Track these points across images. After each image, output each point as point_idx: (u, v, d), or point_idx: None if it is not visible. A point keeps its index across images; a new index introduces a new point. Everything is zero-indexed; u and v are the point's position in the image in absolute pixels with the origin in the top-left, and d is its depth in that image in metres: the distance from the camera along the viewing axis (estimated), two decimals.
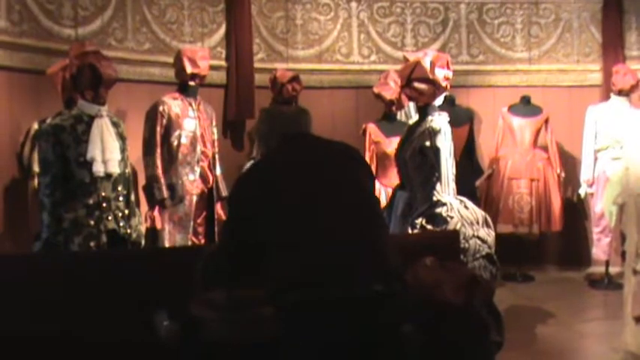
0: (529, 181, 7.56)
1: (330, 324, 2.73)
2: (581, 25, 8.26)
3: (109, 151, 4.42)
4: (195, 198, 5.88)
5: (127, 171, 4.63)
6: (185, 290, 2.96)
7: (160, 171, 5.74)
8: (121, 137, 4.57)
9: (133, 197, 4.72)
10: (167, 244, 5.73)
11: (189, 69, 5.90)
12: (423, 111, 5.00)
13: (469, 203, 4.88)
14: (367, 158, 6.56)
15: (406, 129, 5.28)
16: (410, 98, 5.20)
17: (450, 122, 5.01)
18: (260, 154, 3.38)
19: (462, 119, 7.56)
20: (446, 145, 4.83)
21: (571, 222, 7.84)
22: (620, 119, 7.06)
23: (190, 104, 5.93)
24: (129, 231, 4.54)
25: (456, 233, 4.26)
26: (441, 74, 4.85)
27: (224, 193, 6.11)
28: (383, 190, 6.45)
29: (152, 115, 5.81)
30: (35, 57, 5.77)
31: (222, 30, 7.48)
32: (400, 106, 6.72)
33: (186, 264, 3.13)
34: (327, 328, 2.73)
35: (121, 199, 4.52)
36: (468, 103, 8.01)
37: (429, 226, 4.71)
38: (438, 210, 4.74)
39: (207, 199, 6.03)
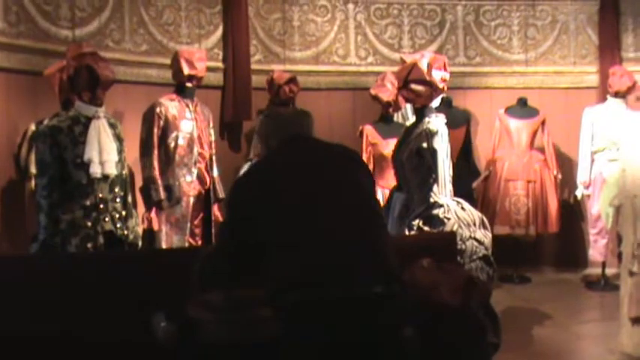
0: (526, 183, 7.57)
1: (329, 324, 2.73)
2: (578, 27, 8.27)
3: (106, 152, 4.41)
4: (192, 199, 5.88)
5: (124, 172, 4.62)
6: (182, 291, 2.97)
7: (157, 172, 5.74)
8: (118, 139, 4.57)
9: (130, 199, 4.72)
10: (164, 246, 5.72)
11: (186, 70, 5.90)
12: (420, 113, 5.01)
13: (466, 205, 4.89)
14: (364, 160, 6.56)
15: (403, 131, 5.29)
16: (407, 100, 5.21)
17: (446, 124, 5.02)
18: (260, 154, 3.39)
19: (459, 121, 7.57)
20: (443, 147, 4.84)
21: (568, 224, 7.85)
22: (616, 121, 7.06)
23: (187, 106, 5.93)
24: (126, 232, 4.54)
25: (452, 235, 4.27)
26: (438, 76, 4.86)
27: (221, 194, 6.10)
28: (380, 192, 6.44)
29: (149, 117, 5.81)
30: (32, 58, 5.76)
31: (220, 31, 7.48)
32: (397, 108, 6.72)
33: (184, 265, 3.13)
34: (326, 328, 2.74)
35: (118, 200, 4.52)
36: (465, 105, 8.02)
37: (425, 228, 4.72)
38: (435, 211, 4.75)
39: (205, 200, 6.03)
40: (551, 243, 8.05)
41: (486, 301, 3.64)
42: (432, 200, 4.80)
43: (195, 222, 5.98)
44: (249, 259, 2.91)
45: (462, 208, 4.81)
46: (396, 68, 5.67)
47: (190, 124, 5.91)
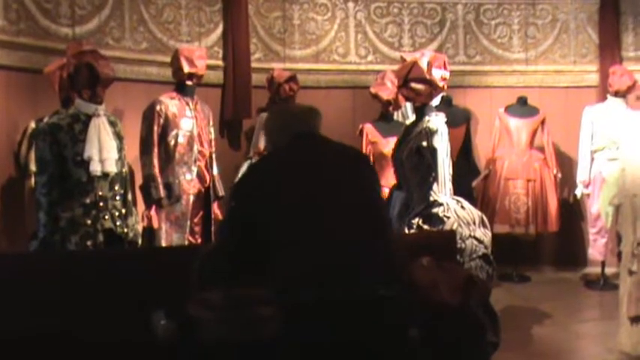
0: (525, 182, 7.56)
1: (331, 324, 2.73)
2: (578, 26, 8.26)
3: (106, 150, 4.41)
4: (192, 197, 5.88)
5: (124, 170, 4.62)
6: (182, 290, 2.96)
7: (156, 170, 5.74)
8: (118, 136, 4.57)
9: (130, 196, 4.72)
10: (164, 244, 5.73)
11: (186, 68, 5.90)
12: (420, 111, 5.01)
13: (466, 203, 4.89)
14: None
15: (403, 129, 5.29)
16: (407, 98, 5.21)
17: (446, 123, 5.02)
18: (267, 149, 3.37)
19: (459, 120, 7.57)
20: (443, 146, 4.84)
21: (567, 223, 7.85)
22: (616, 120, 7.07)
23: (187, 104, 5.92)
24: (126, 230, 4.54)
25: (452, 233, 4.27)
26: (438, 75, 4.86)
27: (221, 192, 6.11)
28: None
29: (149, 115, 5.81)
30: (32, 56, 5.76)
31: (220, 29, 7.48)
32: (397, 107, 6.72)
33: (183, 263, 3.13)
34: (328, 328, 2.73)
35: (117, 198, 4.51)
36: (465, 104, 8.02)
37: (425, 227, 4.72)
38: (435, 210, 4.75)
39: (204, 198, 6.03)
40: (550, 242, 8.05)
41: (486, 300, 3.64)
42: (431, 199, 4.80)
43: (195, 220, 5.99)
44: (250, 257, 2.90)
45: (462, 207, 4.81)
46: (396, 67, 5.67)
47: (190, 122, 5.91)
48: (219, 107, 7.34)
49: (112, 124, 4.55)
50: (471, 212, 4.81)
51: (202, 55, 6.07)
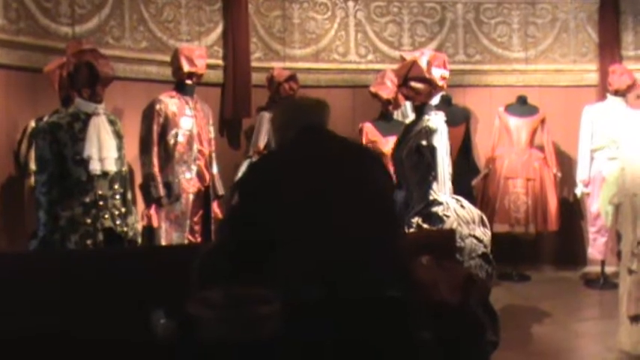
0: (525, 181, 7.56)
1: (336, 323, 2.69)
2: (578, 25, 8.26)
3: (105, 149, 4.42)
4: (191, 196, 5.89)
5: (123, 169, 4.62)
6: (182, 289, 2.96)
7: (156, 169, 5.74)
8: (118, 135, 4.57)
9: (129, 196, 4.72)
10: (163, 243, 5.73)
11: (186, 68, 5.90)
12: (420, 110, 5.01)
13: (465, 202, 4.90)
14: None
15: (403, 128, 5.29)
16: (406, 97, 5.21)
17: (446, 122, 5.02)
18: (275, 143, 3.30)
19: (459, 119, 7.57)
20: (442, 145, 4.85)
21: (567, 222, 7.85)
22: (616, 119, 7.07)
23: (187, 103, 5.93)
24: (125, 229, 4.54)
25: (452, 232, 4.27)
26: (437, 74, 4.86)
27: (220, 191, 6.12)
28: None
29: (149, 114, 5.81)
30: (32, 55, 5.76)
31: (220, 29, 7.48)
32: (397, 106, 6.72)
33: (183, 262, 3.12)
34: (333, 327, 2.69)
35: (117, 197, 4.52)
36: (465, 103, 8.02)
37: (425, 225, 4.72)
38: (435, 209, 4.75)
39: (204, 197, 6.04)
40: (550, 241, 8.05)
41: (485, 299, 3.64)
42: (431, 198, 4.80)
43: (195, 219, 5.99)
44: (251, 257, 2.87)
45: (462, 206, 4.81)
46: (395, 66, 5.66)
47: (190, 121, 5.91)
48: (219, 106, 7.34)
49: (112, 123, 4.55)
50: (471, 211, 4.81)
51: (202, 54, 6.08)
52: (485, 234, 4.75)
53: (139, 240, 4.86)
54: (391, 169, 5.27)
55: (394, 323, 2.79)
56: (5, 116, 5.57)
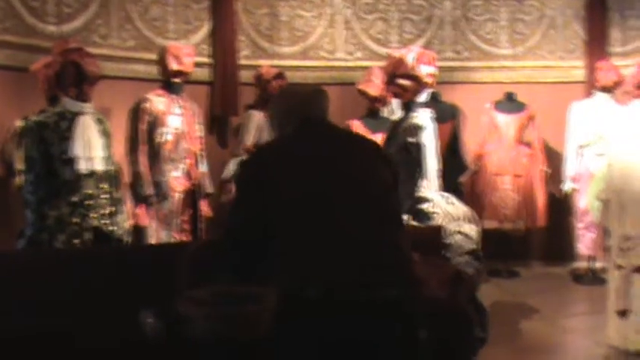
0: (513, 177, 7.58)
1: (337, 323, 2.63)
2: (565, 21, 8.29)
3: (92, 148, 4.41)
4: (180, 195, 5.87)
5: (111, 168, 4.62)
6: (170, 287, 2.95)
7: (144, 168, 5.72)
8: (105, 134, 4.56)
9: (117, 194, 4.71)
10: (152, 241, 5.71)
11: (173, 66, 5.88)
12: (407, 107, 5.02)
13: (453, 199, 4.90)
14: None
15: (390, 125, 5.30)
16: (394, 95, 5.22)
17: (435, 118, 5.03)
18: (274, 135, 3.16)
19: (447, 115, 7.52)
20: (430, 141, 4.85)
21: (556, 218, 7.87)
22: (603, 115, 7.10)
23: (175, 101, 5.91)
24: (113, 228, 4.54)
25: (438, 229, 4.27)
26: (424, 71, 4.88)
27: (209, 190, 6.10)
28: None
29: (136, 113, 5.79)
30: (18, 54, 5.75)
31: (207, 27, 7.47)
32: (384, 103, 6.72)
33: (171, 261, 3.12)
34: (333, 326, 2.63)
35: (105, 196, 4.51)
36: (453, 100, 7.98)
37: (413, 222, 4.73)
38: (423, 206, 4.75)
39: (192, 196, 6.01)
40: (539, 237, 8.07)
41: (473, 295, 3.65)
42: (419, 195, 4.80)
43: (184, 217, 5.97)
44: (250, 253, 2.81)
45: (450, 203, 4.82)
46: (383, 63, 5.67)
47: (178, 119, 5.89)
48: (206, 105, 7.33)
49: (99, 122, 4.55)
50: (459, 208, 4.81)
51: (189, 52, 6.06)
52: (473, 231, 4.75)
53: (127, 239, 4.85)
54: None
55: (394, 323, 2.73)
56: None
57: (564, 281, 7.56)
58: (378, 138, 5.89)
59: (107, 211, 4.51)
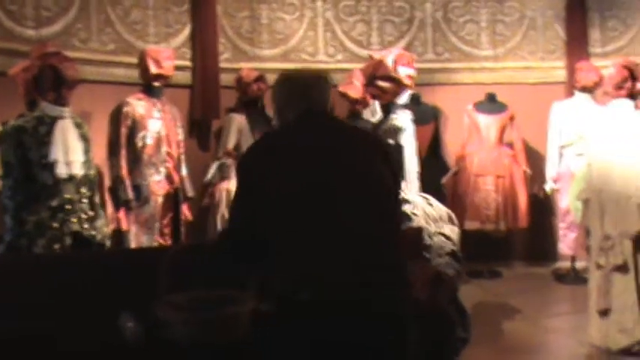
0: (495, 178, 7.60)
1: (330, 324, 2.60)
2: (546, 22, 8.32)
3: (71, 152, 4.39)
4: (160, 199, 5.86)
5: (91, 172, 4.60)
6: (150, 292, 2.95)
7: (124, 172, 5.71)
8: (85, 139, 4.54)
9: (97, 199, 4.69)
10: (133, 246, 5.70)
11: (153, 70, 5.87)
12: (387, 109, 5.03)
13: (433, 200, 4.90)
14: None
15: (371, 127, 5.30)
16: (373, 96, 5.23)
17: (415, 120, 5.04)
18: (276, 123, 3.09)
19: (428, 117, 7.58)
20: (409, 143, 4.86)
21: (537, 218, 7.89)
22: (584, 116, 7.12)
23: (155, 105, 5.90)
24: (93, 233, 4.52)
25: (419, 231, 4.27)
26: (404, 72, 4.88)
27: (190, 193, 6.10)
28: None
29: (116, 116, 5.78)
30: None
31: (188, 30, 7.44)
32: (365, 105, 6.72)
33: (152, 265, 3.11)
34: (327, 328, 2.59)
35: (85, 200, 4.49)
36: (434, 101, 8.02)
37: None
38: (403, 207, 4.75)
39: (173, 199, 6.01)
40: (521, 237, 8.09)
41: (454, 296, 3.66)
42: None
43: (164, 221, 5.97)
44: (249, 250, 2.78)
45: (429, 204, 4.81)
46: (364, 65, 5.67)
47: (158, 123, 5.89)
48: (187, 108, 7.31)
49: (78, 126, 4.52)
50: (439, 209, 4.81)
51: (169, 56, 6.05)
52: (453, 232, 4.76)
53: (108, 243, 4.82)
54: None
55: (388, 325, 2.69)
56: None
57: (546, 281, 7.58)
58: None
59: (87, 216, 4.49)
